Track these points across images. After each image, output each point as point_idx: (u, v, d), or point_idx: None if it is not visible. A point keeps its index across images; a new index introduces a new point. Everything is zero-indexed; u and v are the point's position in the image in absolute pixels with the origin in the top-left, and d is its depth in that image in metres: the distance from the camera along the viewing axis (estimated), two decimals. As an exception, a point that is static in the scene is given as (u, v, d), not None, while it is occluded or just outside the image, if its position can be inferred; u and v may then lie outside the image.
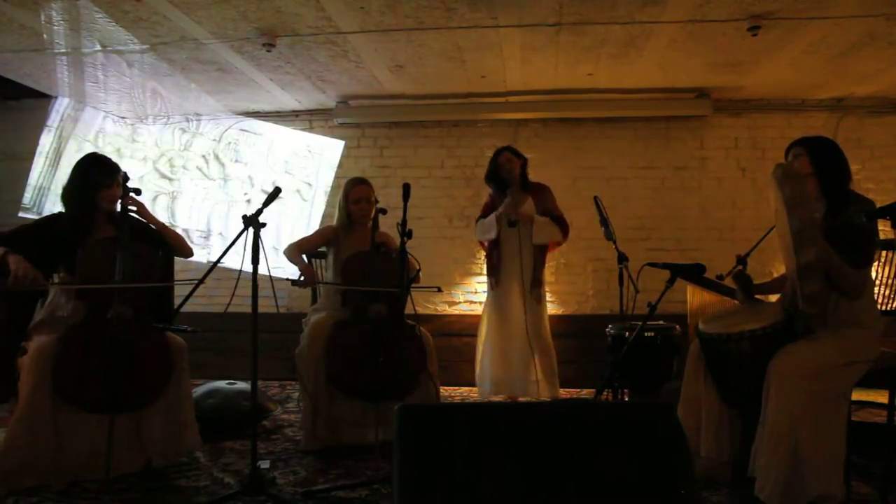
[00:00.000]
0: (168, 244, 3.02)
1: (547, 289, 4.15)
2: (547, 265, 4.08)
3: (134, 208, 2.90)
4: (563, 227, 3.93)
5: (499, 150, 4.00)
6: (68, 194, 2.84)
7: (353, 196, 3.41)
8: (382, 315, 3.13)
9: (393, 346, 3.00)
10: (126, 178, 2.90)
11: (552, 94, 5.04)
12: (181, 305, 2.45)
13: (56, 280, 2.79)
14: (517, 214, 3.82)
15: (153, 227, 2.97)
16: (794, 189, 2.21)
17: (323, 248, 3.55)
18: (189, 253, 3.11)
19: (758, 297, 2.83)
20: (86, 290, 2.68)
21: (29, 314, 2.75)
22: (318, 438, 3.07)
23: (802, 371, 2.19)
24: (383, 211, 3.30)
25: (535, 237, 3.87)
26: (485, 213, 4.04)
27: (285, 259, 3.35)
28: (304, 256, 3.39)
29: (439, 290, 3.49)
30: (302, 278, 3.20)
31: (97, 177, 2.82)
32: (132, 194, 2.90)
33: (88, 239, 2.76)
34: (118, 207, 2.88)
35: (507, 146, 4.03)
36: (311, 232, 3.79)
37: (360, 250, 3.29)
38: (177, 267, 3.26)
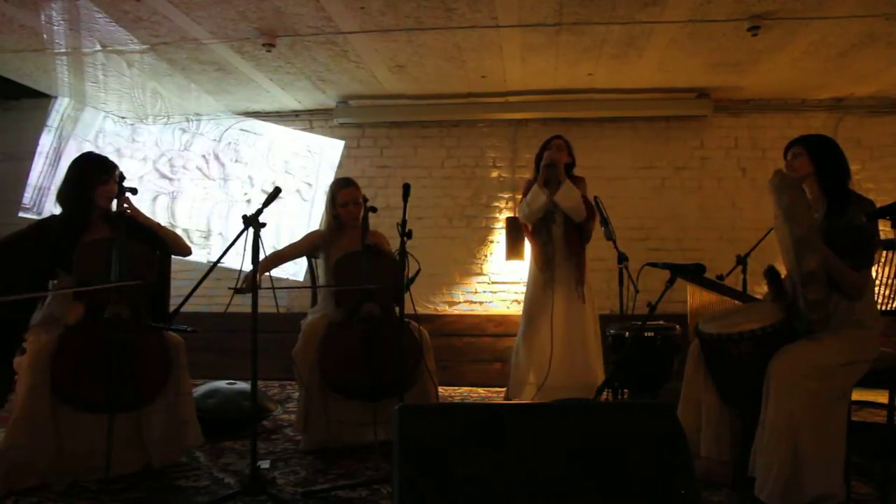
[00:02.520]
0: (166, 244, 3.01)
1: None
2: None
3: (128, 208, 2.89)
4: (588, 207, 3.68)
5: (555, 136, 3.81)
6: (64, 193, 2.83)
7: (341, 199, 3.36)
8: (375, 314, 3.11)
9: (387, 344, 2.99)
10: (122, 178, 2.89)
11: (552, 94, 5.04)
12: (181, 305, 2.44)
13: (54, 283, 2.79)
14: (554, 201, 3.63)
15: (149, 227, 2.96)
16: (792, 197, 2.21)
17: (317, 254, 3.49)
18: (187, 251, 3.09)
19: (760, 296, 2.81)
20: (83, 290, 2.68)
21: (27, 315, 2.75)
22: (314, 440, 3.07)
23: (802, 371, 2.19)
24: (373, 209, 3.27)
25: (559, 196, 3.61)
26: (525, 194, 3.80)
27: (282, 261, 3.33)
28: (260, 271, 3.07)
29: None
30: (243, 286, 2.79)
31: (94, 173, 2.81)
32: (128, 194, 2.89)
33: (84, 239, 2.75)
34: (114, 206, 2.88)
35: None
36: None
37: (350, 251, 3.23)
38: (176, 267, 3.25)
